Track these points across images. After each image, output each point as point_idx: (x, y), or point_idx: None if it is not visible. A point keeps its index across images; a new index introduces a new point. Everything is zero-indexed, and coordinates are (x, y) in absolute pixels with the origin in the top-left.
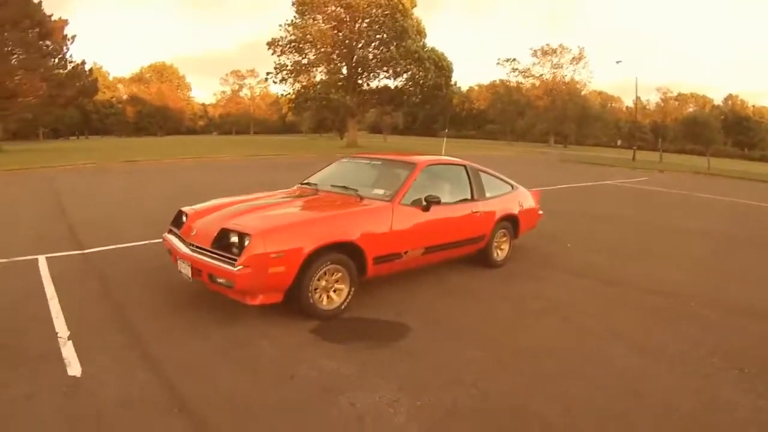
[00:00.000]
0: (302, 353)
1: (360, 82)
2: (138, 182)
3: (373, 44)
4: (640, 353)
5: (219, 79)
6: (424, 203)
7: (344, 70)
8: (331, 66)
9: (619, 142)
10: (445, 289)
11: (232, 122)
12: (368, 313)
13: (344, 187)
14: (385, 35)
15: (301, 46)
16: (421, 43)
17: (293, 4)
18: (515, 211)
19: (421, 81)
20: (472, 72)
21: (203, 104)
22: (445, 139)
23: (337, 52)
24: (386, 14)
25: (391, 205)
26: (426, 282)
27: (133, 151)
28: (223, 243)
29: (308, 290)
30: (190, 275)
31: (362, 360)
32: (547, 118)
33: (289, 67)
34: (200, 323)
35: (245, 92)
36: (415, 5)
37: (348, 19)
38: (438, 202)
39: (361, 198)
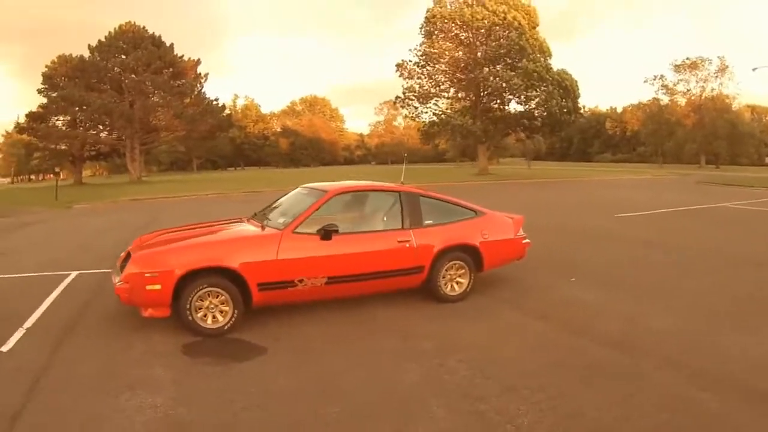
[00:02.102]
0: (154, 360)
1: (492, 106)
2: (239, 210)
3: (489, 68)
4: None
5: (374, 108)
6: (322, 232)
7: (471, 97)
8: (457, 90)
9: (767, 160)
10: (354, 321)
11: (387, 152)
12: (252, 336)
13: (263, 216)
14: (507, 59)
15: (427, 65)
16: (544, 63)
17: (421, 28)
18: (473, 241)
19: (545, 104)
20: (623, 93)
21: (360, 135)
22: (404, 165)
23: (461, 75)
24: (504, 35)
25: (280, 233)
26: (343, 313)
27: (267, 181)
28: (126, 264)
29: (186, 309)
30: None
31: (187, 371)
32: (696, 137)
33: (417, 91)
34: (122, 330)
35: (399, 122)
36: (537, 24)
37: (470, 41)
38: (336, 231)
39: (264, 227)
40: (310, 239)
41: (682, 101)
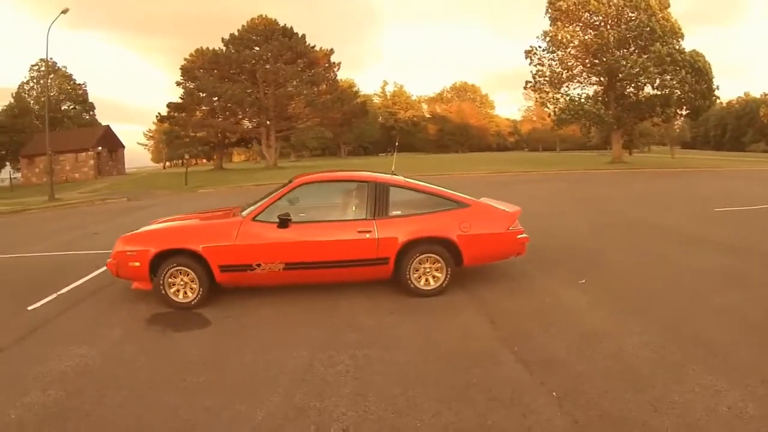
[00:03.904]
0: (121, 323)
1: (626, 92)
2: None
3: (620, 52)
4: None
5: (521, 94)
6: (279, 220)
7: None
8: (589, 74)
9: None
10: (310, 309)
11: (538, 138)
12: (210, 312)
13: (248, 205)
14: (639, 42)
15: (557, 50)
16: (677, 46)
17: (546, 12)
18: (449, 234)
19: (678, 88)
20: None
21: (513, 121)
22: (395, 153)
23: (593, 59)
24: (633, 16)
25: (240, 220)
26: (308, 300)
27: (402, 167)
28: None
29: (160, 284)
30: None
31: (135, 334)
32: None
33: (546, 76)
34: (123, 299)
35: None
36: (668, 6)
37: (598, 25)
38: (289, 219)
39: (235, 214)
40: (268, 227)
41: None
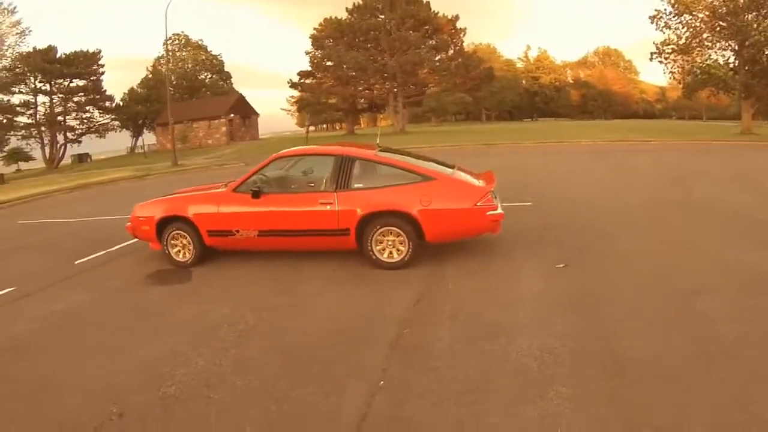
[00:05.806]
0: (124, 276)
1: (759, 58)
2: (456, 160)
3: (752, 14)
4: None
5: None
6: (252, 191)
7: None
8: (718, 39)
9: None
10: (277, 271)
11: (685, 106)
12: (198, 270)
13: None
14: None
15: (683, 14)
16: None
17: None
18: (408, 208)
19: None
20: None
21: (660, 88)
22: (379, 127)
23: (722, 23)
24: None
25: (223, 191)
26: (279, 266)
27: (532, 134)
28: None
29: (164, 245)
30: None
31: (127, 285)
32: None
33: (674, 44)
34: (148, 257)
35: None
36: None
37: None
38: (260, 191)
39: (225, 186)
40: (245, 197)
41: None
